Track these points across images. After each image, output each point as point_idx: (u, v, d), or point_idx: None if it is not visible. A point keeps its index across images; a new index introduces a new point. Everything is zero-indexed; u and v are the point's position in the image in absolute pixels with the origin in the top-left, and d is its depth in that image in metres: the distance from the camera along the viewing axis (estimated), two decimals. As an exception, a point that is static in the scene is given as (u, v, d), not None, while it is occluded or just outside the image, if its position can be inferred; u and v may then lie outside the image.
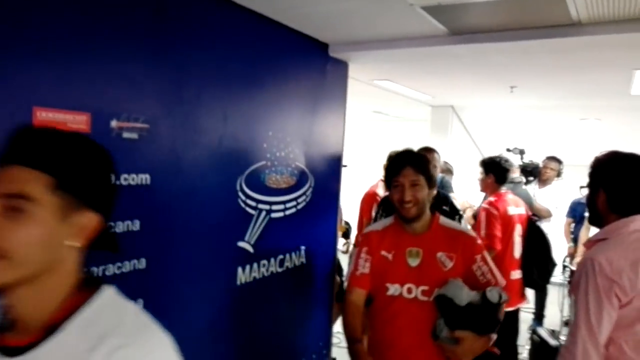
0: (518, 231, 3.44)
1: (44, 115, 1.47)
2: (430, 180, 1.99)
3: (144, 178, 1.81)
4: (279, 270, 2.63)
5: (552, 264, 3.49)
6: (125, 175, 1.73)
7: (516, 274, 3.45)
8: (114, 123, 1.68)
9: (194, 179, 2.03)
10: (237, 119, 2.25)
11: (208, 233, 2.13)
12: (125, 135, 1.72)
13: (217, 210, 2.18)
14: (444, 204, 3.17)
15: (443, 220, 2.08)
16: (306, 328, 2.91)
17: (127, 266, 1.76)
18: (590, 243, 1.68)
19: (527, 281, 3.46)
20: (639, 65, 2.92)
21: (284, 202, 2.61)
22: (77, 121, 1.56)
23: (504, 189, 3.54)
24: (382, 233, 2.08)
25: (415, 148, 2.42)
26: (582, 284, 1.53)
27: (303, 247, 2.82)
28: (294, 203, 2.69)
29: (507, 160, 3.56)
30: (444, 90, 4.50)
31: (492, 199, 3.49)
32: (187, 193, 2.00)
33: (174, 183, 1.93)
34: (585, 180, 1.74)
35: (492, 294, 1.86)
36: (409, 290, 1.94)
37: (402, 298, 1.95)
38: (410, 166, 1.98)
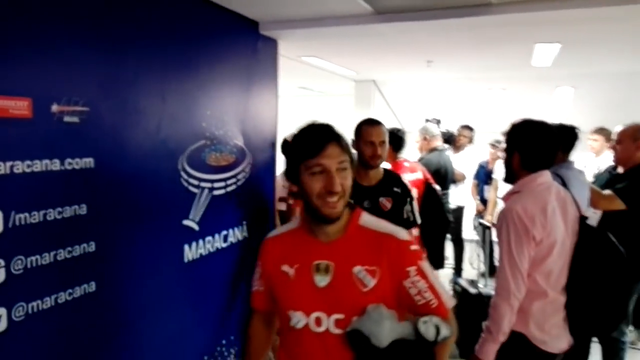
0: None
1: (-19, 102, 1.43)
2: (353, 163, 1.39)
3: (88, 162, 1.80)
4: (224, 245, 2.70)
5: (446, 222, 3.81)
6: (69, 160, 1.72)
7: (415, 232, 3.78)
8: (54, 107, 1.65)
9: (137, 161, 2.04)
10: (175, 99, 2.26)
11: (154, 213, 2.15)
12: (66, 119, 1.70)
13: (161, 190, 2.20)
14: (395, 184, 2.86)
15: (365, 219, 1.45)
16: (248, 298, 3.03)
17: (77, 250, 1.76)
18: (507, 196, 1.97)
19: (424, 238, 3.78)
20: (539, 39, 3.28)
21: (224, 180, 2.67)
22: (18, 107, 1.53)
23: (401, 157, 3.81)
24: (281, 239, 1.53)
25: (339, 122, 2.54)
26: (504, 230, 1.81)
27: (245, 222, 2.91)
28: (234, 180, 2.76)
29: (399, 130, 3.83)
30: (367, 66, 4.71)
31: (389, 166, 3.76)
32: (130, 175, 2.01)
33: (117, 166, 1.94)
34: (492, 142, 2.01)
35: (427, 328, 1.30)
36: (318, 322, 1.36)
37: (310, 332, 1.38)
38: (335, 143, 1.35)
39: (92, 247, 1.82)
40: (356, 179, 1.59)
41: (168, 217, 2.27)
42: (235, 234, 2.82)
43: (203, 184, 2.49)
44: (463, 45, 3.49)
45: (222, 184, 2.66)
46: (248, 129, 2.89)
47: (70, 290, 1.74)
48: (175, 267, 2.33)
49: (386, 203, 2.70)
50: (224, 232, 2.70)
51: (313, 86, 6.62)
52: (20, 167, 1.55)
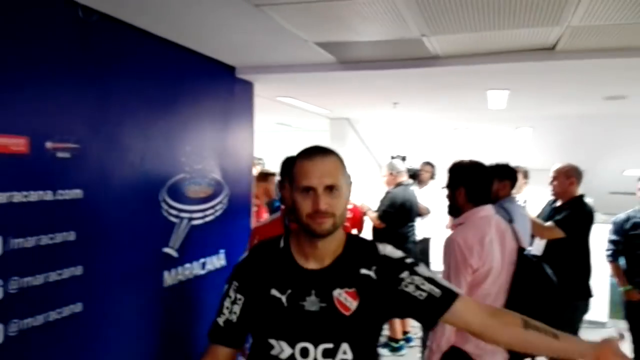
0: None
1: (-11, 141, 1.65)
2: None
3: (77, 193, 2.01)
4: (202, 272, 2.90)
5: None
6: (60, 191, 1.94)
7: None
8: (49, 144, 1.88)
9: (121, 192, 2.26)
10: (157, 137, 2.51)
11: (136, 240, 2.36)
12: (59, 155, 1.93)
13: (143, 219, 2.42)
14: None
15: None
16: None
17: (66, 273, 1.95)
18: (453, 226, 2.21)
19: None
20: (489, 86, 3.64)
21: (203, 210, 2.90)
22: (17, 144, 1.75)
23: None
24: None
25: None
26: (446, 257, 2.04)
27: (222, 251, 3.12)
28: (212, 210, 2.99)
29: None
30: (339, 106, 5.05)
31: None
32: (115, 205, 2.22)
33: (103, 197, 2.15)
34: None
35: None
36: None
37: None
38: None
39: (79, 270, 2.01)
40: (295, 258, 1.29)
41: (149, 244, 2.48)
42: (213, 262, 3.02)
43: (182, 214, 2.71)
44: (423, 90, 3.84)
45: (200, 214, 2.88)
46: (225, 163, 3.14)
47: (59, 310, 1.92)
48: (155, 291, 2.51)
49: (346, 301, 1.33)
50: (202, 260, 2.91)
51: (290, 122, 6.94)
52: (17, 197, 1.76)
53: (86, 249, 2.04)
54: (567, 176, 3.20)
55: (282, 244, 1.32)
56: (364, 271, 1.25)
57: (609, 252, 3.41)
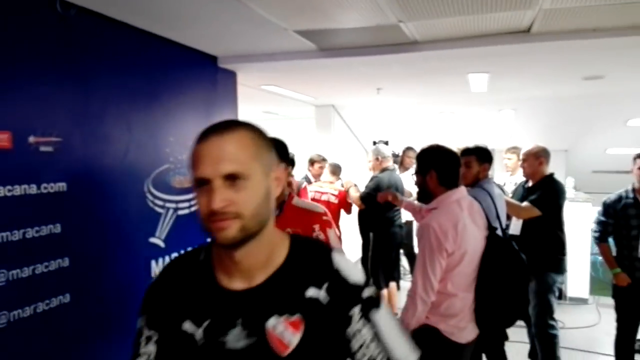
0: None
1: (-30, 136, 1.67)
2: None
3: (61, 186, 2.04)
4: (188, 261, 2.94)
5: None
6: (45, 184, 1.96)
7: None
8: (31, 139, 1.90)
9: (106, 184, 2.29)
10: (140, 128, 2.53)
11: (122, 231, 2.39)
12: (42, 148, 1.95)
13: (129, 210, 2.45)
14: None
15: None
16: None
17: (53, 265, 1.98)
18: (426, 211, 2.26)
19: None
20: (469, 70, 3.69)
21: (188, 200, 2.93)
22: (0, 139, 1.77)
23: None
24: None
25: (303, 144, 3.09)
26: (421, 242, 2.09)
27: (209, 240, 3.15)
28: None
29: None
30: (323, 93, 5.07)
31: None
32: (100, 197, 2.25)
33: (88, 189, 2.18)
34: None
35: None
36: None
37: None
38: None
39: (66, 262, 2.04)
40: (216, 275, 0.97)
41: (135, 235, 2.51)
42: (199, 250, 3.06)
43: (168, 205, 2.74)
44: (405, 76, 3.87)
45: (186, 204, 2.91)
46: (210, 154, 3.16)
47: (47, 301, 1.96)
48: (144, 281, 2.55)
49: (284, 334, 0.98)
50: (189, 249, 2.93)
51: (277, 110, 6.95)
52: (2, 191, 1.78)
53: (72, 241, 2.07)
54: (536, 157, 3.30)
55: (202, 256, 1.00)
56: (311, 292, 0.90)
57: (597, 234, 3.34)
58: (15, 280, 1.82)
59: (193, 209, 2.98)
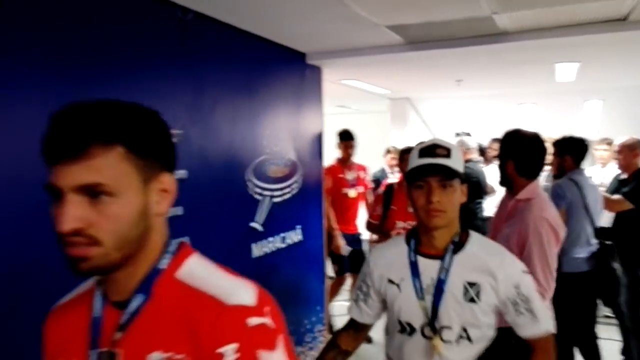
0: None
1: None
2: None
3: (183, 173, 2.29)
4: (282, 246, 3.15)
5: None
6: (170, 172, 2.21)
7: None
8: (160, 131, 2.15)
9: (216, 172, 2.53)
10: (242, 122, 2.76)
11: (229, 215, 2.63)
12: (168, 140, 2.20)
13: (233, 196, 2.68)
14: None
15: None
16: (306, 295, 3.46)
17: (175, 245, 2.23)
18: (521, 202, 2.12)
19: None
20: (558, 60, 3.62)
21: (281, 189, 3.14)
22: (137, 131, 2.03)
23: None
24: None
25: (377, 138, 3.49)
26: (535, 236, 1.96)
27: (299, 226, 3.36)
28: (289, 189, 3.23)
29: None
30: (401, 85, 5.13)
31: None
32: (212, 184, 2.49)
33: (202, 176, 2.42)
34: None
35: None
36: None
37: None
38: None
39: (186, 240, 2.29)
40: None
41: (239, 219, 2.74)
42: (292, 237, 3.27)
43: (265, 192, 2.96)
44: (488, 67, 3.86)
45: (279, 192, 3.13)
46: (298, 145, 3.36)
47: (172, 274, 2.21)
48: (245, 261, 2.79)
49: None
50: (282, 234, 3.16)
51: (350, 104, 7.09)
52: (138, 177, 2.04)
53: (191, 222, 2.32)
54: (631, 149, 3.25)
55: None
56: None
57: None
58: (148, 254, 2.09)
59: (285, 197, 3.19)
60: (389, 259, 1.48)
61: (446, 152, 1.35)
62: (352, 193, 4.16)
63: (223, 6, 2.32)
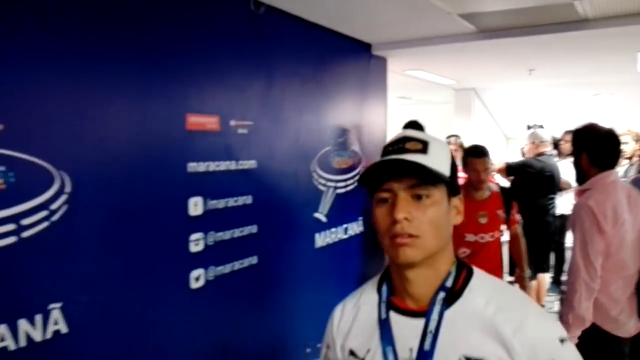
0: None
1: (193, 119, 2.02)
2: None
3: (252, 163, 2.36)
4: (344, 237, 3.17)
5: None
6: (241, 161, 2.28)
7: None
8: (232, 122, 2.23)
9: (284, 163, 2.58)
10: (308, 113, 2.79)
11: (294, 205, 2.68)
12: (239, 131, 2.27)
13: (299, 187, 2.73)
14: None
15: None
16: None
17: (245, 231, 2.32)
18: (579, 192, 2.16)
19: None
20: (641, 47, 3.37)
21: (345, 180, 3.15)
22: (211, 122, 2.11)
23: None
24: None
25: (440, 130, 3.29)
26: (577, 223, 2.01)
27: (361, 218, 3.36)
28: (352, 180, 3.23)
29: None
30: (467, 76, 4.97)
31: None
32: (280, 174, 2.54)
33: (271, 166, 2.48)
34: None
35: None
36: None
37: None
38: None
39: (254, 228, 2.37)
40: None
41: (304, 209, 2.79)
42: (353, 228, 3.28)
43: (329, 184, 2.98)
44: (564, 55, 3.64)
45: (343, 183, 3.14)
46: (362, 136, 3.35)
47: (241, 261, 2.30)
48: (309, 251, 2.83)
49: None
50: (345, 225, 3.17)
51: (412, 95, 6.96)
52: (212, 166, 2.13)
53: (260, 211, 2.39)
54: None
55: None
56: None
57: None
58: (219, 242, 2.17)
59: (348, 188, 3.20)
60: (352, 319, 1.02)
61: (421, 145, 0.91)
62: None
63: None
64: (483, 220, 2.89)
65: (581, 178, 2.18)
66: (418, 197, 0.88)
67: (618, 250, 1.98)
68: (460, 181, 4.16)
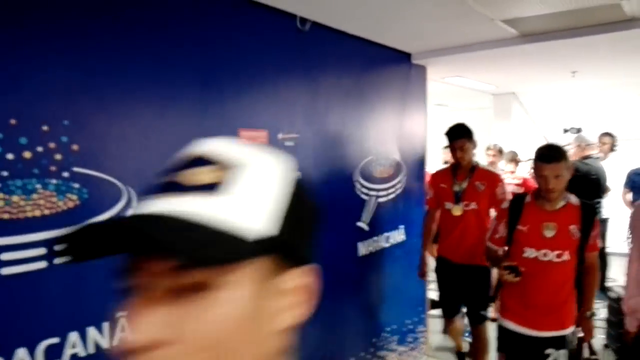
0: None
1: (245, 134, 2.10)
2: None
3: (297, 174, 2.40)
4: (386, 245, 3.18)
5: None
6: (288, 173, 2.34)
7: None
8: (280, 135, 2.29)
9: (328, 173, 2.62)
10: (351, 124, 2.82)
11: (339, 215, 2.71)
12: (287, 143, 2.33)
13: (342, 196, 2.76)
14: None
15: None
16: (408, 295, 3.46)
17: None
18: None
19: None
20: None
21: (386, 189, 3.17)
22: (261, 136, 2.18)
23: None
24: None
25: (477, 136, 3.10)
26: (635, 223, 1.99)
27: (402, 226, 3.36)
28: (393, 189, 3.24)
29: None
30: (507, 80, 4.90)
31: None
32: (325, 184, 2.59)
33: (314, 177, 2.53)
34: None
35: None
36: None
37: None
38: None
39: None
40: None
41: (346, 219, 2.82)
42: (395, 236, 3.29)
43: (371, 193, 3.01)
44: (609, 56, 3.55)
45: (384, 192, 3.16)
46: (403, 145, 3.36)
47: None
48: (352, 259, 2.86)
49: None
50: (387, 234, 3.19)
51: (449, 102, 6.91)
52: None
53: (306, 221, 2.43)
54: None
55: None
56: None
57: None
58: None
59: (390, 197, 3.21)
60: None
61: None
62: (456, 210, 3.02)
63: (337, 15, 2.40)
64: (549, 234, 2.24)
65: None
66: None
67: None
68: (530, 185, 4.10)
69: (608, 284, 4.52)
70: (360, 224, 2.94)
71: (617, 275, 5.07)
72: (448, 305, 3.18)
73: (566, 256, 2.23)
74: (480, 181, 2.99)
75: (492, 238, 2.44)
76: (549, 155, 2.21)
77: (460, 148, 2.97)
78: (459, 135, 2.99)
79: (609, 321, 3.83)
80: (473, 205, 2.98)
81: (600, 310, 4.45)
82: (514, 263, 2.22)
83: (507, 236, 2.34)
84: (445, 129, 3.07)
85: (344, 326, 2.78)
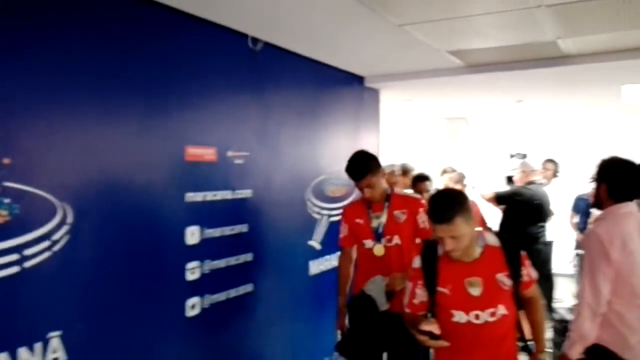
0: None
1: (191, 151, 2.09)
2: None
3: (248, 192, 2.41)
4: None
5: None
6: (237, 191, 2.34)
7: None
8: (229, 153, 2.30)
9: (279, 192, 2.64)
10: (304, 143, 2.86)
11: (290, 234, 2.73)
12: (236, 161, 2.34)
13: (294, 215, 2.78)
14: None
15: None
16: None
17: (241, 258, 2.36)
18: (595, 221, 2.26)
19: None
20: (625, 81, 3.50)
21: (339, 208, 3.20)
22: (209, 153, 2.18)
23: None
24: None
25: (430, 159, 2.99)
26: (586, 250, 2.10)
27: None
28: (345, 208, 3.28)
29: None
30: (458, 106, 5.11)
31: None
32: (275, 203, 2.60)
33: (266, 195, 2.54)
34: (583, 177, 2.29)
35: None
36: None
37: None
38: None
39: (250, 256, 2.41)
40: None
41: (297, 237, 2.84)
42: (346, 255, 3.32)
43: (323, 212, 3.04)
44: (549, 88, 3.78)
45: (337, 211, 3.19)
46: (356, 166, 3.42)
47: (237, 289, 2.33)
48: (303, 278, 2.87)
49: None
50: (339, 253, 3.21)
51: (405, 123, 7.10)
52: (209, 196, 2.18)
53: (255, 239, 2.43)
54: None
55: None
56: None
57: None
58: (215, 270, 2.21)
59: (342, 216, 3.25)
60: None
61: None
62: (378, 250, 2.45)
63: (290, 36, 2.45)
64: (475, 292, 1.79)
65: (597, 205, 2.30)
66: None
67: (629, 278, 2.05)
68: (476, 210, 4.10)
69: (555, 304, 4.71)
70: (312, 242, 2.96)
71: (563, 295, 5.30)
72: (366, 356, 2.50)
73: (502, 311, 1.80)
74: (399, 209, 2.45)
75: (411, 304, 1.90)
76: (439, 214, 1.70)
77: (367, 186, 2.41)
78: (361, 175, 2.42)
79: (554, 342, 3.97)
80: (396, 240, 2.44)
81: (548, 332, 4.61)
82: (429, 327, 1.70)
83: (428, 300, 1.85)
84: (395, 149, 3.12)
85: (294, 345, 2.77)
